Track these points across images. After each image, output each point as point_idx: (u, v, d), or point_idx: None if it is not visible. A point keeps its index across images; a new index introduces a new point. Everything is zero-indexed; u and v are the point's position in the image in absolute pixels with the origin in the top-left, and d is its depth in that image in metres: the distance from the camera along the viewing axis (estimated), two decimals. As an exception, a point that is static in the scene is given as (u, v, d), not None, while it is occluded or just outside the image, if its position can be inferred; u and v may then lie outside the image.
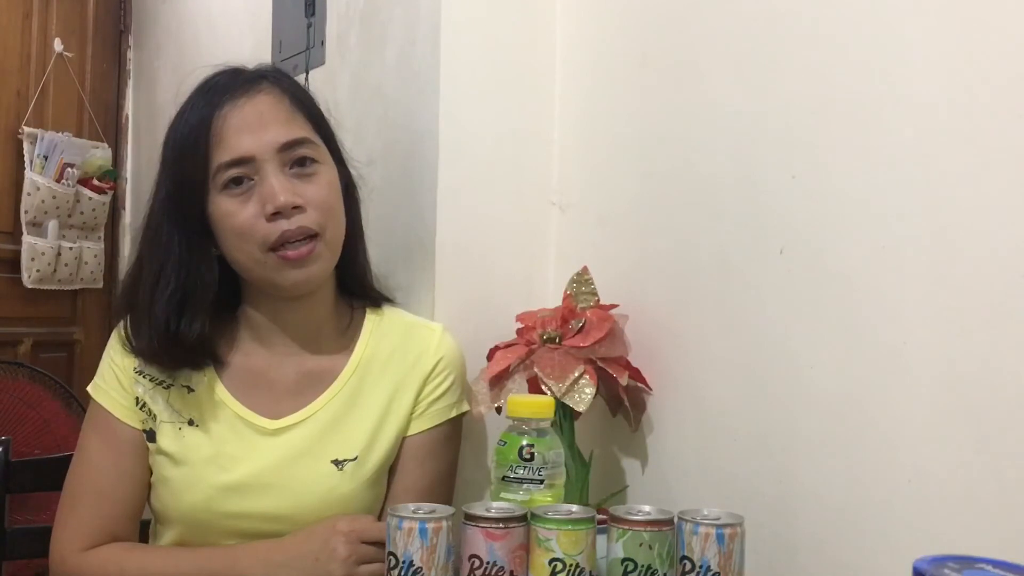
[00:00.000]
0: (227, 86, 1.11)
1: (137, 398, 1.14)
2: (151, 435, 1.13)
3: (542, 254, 1.36)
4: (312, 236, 1.09)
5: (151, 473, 1.14)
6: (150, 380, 1.14)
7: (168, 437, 1.12)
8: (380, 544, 0.95)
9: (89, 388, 1.17)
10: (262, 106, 1.10)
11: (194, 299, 1.10)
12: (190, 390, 1.14)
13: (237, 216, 1.08)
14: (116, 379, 1.15)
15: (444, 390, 1.19)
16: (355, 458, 1.12)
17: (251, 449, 1.12)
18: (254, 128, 1.08)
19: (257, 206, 1.07)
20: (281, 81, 1.15)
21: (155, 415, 1.13)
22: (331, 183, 1.13)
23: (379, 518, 1.15)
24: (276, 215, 1.07)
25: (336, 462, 1.12)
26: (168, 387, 1.14)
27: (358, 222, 1.21)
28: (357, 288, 1.22)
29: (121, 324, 1.16)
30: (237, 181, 1.08)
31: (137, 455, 1.13)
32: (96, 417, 1.15)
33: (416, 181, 1.33)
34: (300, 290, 1.13)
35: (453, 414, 1.19)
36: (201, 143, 1.07)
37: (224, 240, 1.10)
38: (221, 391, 1.14)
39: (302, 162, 1.10)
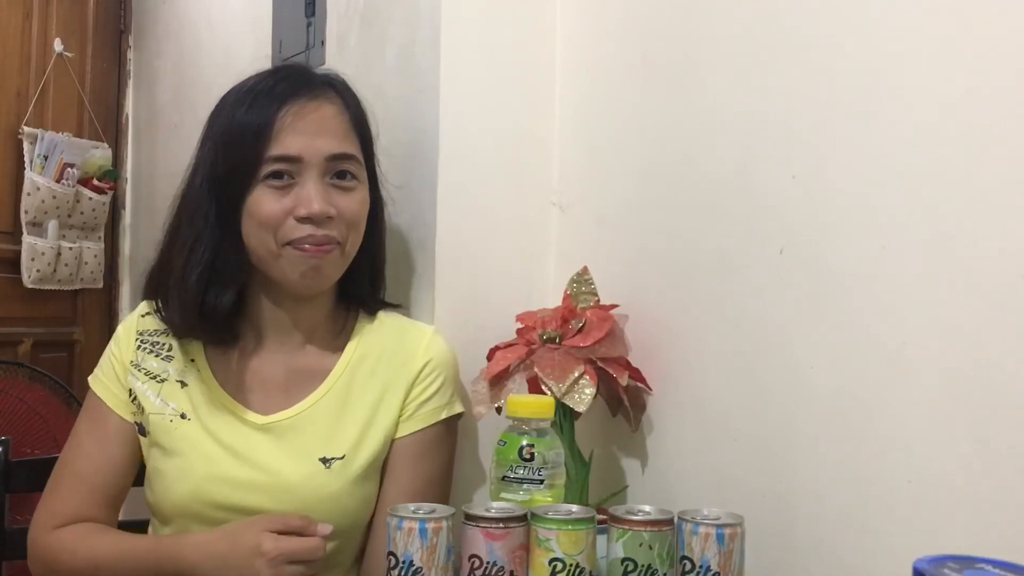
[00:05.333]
0: (294, 88, 1.13)
1: (130, 391, 1.17)
2: (142, 429, 1.16)
3: (542, 254, 1.36)
4: (333, 243, 1.12)
5: (142, 465, 1.17)
6: (145, 374, 1.17)
7: (160, 430, 1.14)
8: (305, 562, 0.98)
9: (89, 378, 1.21)
10: (325, 114, 1.13)
11: (224, 274, 1.12)
12: (183, 384, 1.16)
13: (268, 207, 1.10)
14: (113, 370, 1.19)
15: (433, 392, 1.18)
16: (343, 457, 1.13)
17: (241, 443, 1.13)
18: (311, 133, 1.11)
19: (290, 204, 1.10)
20: (345, 95, 1.18)
21: (144, 409, 1.16)
22: (363, 201, 1.16)
23: (371, 522, 1.16)
24: (307, 220, 1.09)
25: (324, 460, 1.12)
26: (162, 381, 1.17)
27: (381, 241, 1.24)
28: (358, 298, 1.23)
29: (137, 309, 1.21)
30: (278, 175, 1.10)
31: (123, 445, 1.16)
32: (91, 405, 1.19)
33: (416, 181, 1.33)
34: (307, 287, 1.15)
35: (443, 416, 1.19)
36: (261, 136, 1.10)
37: (247, 227, 1.12)
38: (213, 386, 1.16)
39: (342, 175, 1.13)
